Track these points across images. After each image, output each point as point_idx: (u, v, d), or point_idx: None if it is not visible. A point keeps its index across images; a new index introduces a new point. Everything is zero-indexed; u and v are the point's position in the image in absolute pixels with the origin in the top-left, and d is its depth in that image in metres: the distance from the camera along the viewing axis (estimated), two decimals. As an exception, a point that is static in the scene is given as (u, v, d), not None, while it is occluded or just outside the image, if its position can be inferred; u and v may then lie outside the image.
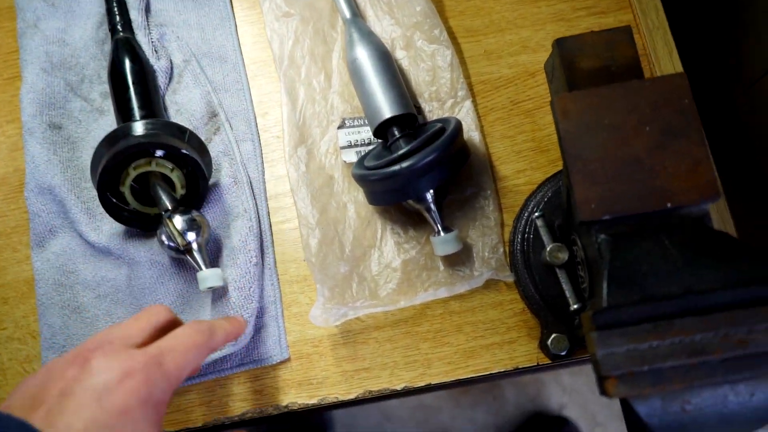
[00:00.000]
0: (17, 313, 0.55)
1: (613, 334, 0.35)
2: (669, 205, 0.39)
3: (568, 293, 0.46)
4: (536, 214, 0.49)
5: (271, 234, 0.55)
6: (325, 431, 1.10)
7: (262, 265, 0.53)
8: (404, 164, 0.48)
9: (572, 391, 1.09)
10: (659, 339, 0.34)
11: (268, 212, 0.55)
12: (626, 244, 0.39)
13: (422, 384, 0.50)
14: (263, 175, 0.56)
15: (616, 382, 0.34)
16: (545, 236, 0.48)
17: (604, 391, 0.35)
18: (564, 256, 0.46)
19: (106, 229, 0.54)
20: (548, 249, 0.47)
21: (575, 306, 0.46)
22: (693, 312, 0.35)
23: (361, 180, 0.51)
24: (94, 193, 0.56)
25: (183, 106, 0.57)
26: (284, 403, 0.51)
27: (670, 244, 0.38)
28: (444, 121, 0.52)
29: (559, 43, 0.47)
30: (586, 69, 0.45)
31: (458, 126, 0.50)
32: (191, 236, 0.50)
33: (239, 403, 0.51)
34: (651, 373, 0.34)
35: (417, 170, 0.48)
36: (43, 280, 0.54)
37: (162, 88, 0.58)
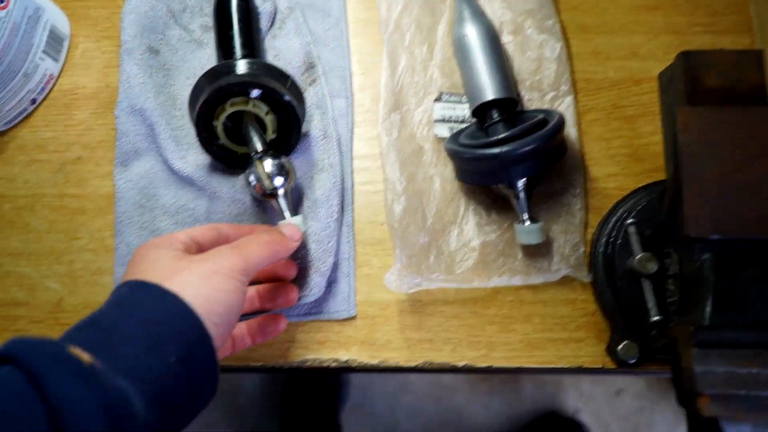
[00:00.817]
0: (93, 225, 0.55)
1: (712, 354, 0.35)
2: (781, 234, 0.39)
3: (650, 304, 0.46)
4: (630, 220, 0.48)
5: (352, 193, 0.55)
6: (338, 390, 1.12)
7: (341, 221, 0.53)
8: (504, 148, 0.47)
9: (589, 398, 1.09)
10: (760, 367, 0.34)
11: (352, 171, 0.55)
12: (732, 267, 0.38)
13: (484, 365, 0.51)
14: (352, 134, 0.56)
15: (709, 400, 0.34)
16: (635, 244, 0.47)
17: (690, 406, 0.35)
18: (653, 266, 0.46)
19: (191, 159, 0.55)
20: (638, 257, 0.46)
21: (656, 318, 0.46)
22: (797, 347, 0.35)
23: (455, 156, 0.50)
24: (184, 122, 0.56)
25: (281, 52, 0.57)
26: (344, 359, 0.51)
27: (778, 274, 0.38)
28: (546, 112, 0.51)
29: (685, 56, 0.46)
30: (710, 86, 0.45)
31: (562, 120, 0.49)
32: (279, 181, 0.50)
33: (300, 350, 0.52)
34: (747, 399, 0.34)
35: (515, 157, 0.47)
36: (124, 199, 0.54)
37: (263, 31, 0.58)
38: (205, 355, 0.37)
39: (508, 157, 0.47)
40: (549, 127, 0.48)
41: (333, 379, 1.09)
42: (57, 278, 0.55)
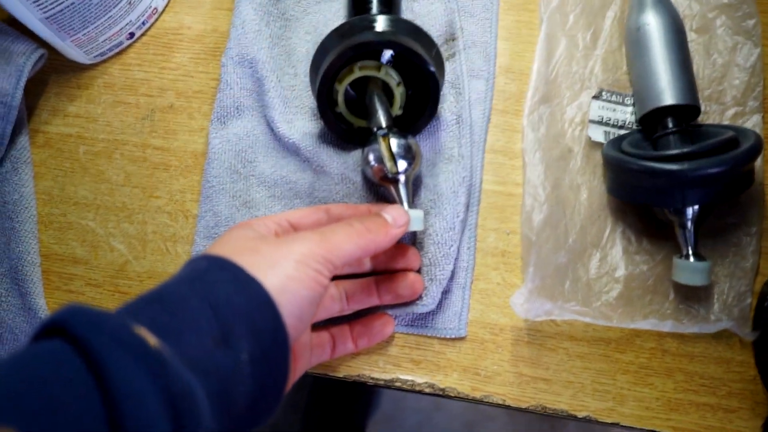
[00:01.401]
0: (175, 185, 0.49)
1: None
2: None
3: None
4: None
5: (480, 192, 0.47)
6: (369, 398, 1.05)
7: (465, 223, 0.46)
8: (685, 166, 0.39)
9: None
10: None
11: (482, 166, 0.47)
12: None
13: (609, 420, 0.42)
14: (487, 122, 0.48)
15: None
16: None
17: None
18: None
19: (299, 125, 0.48)
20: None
21: None
22: None
23: (616, 165, 0.42)
24: (294, 82, 0.49)
25: (420, 17, 0.49)
26: (442, 386, 0.44)
27: None
28: (736, 130, 0.43)
29: None
30: None
31: (760, 142, 0.41)
32: (403, 165, 0.42)
33: (391, 366, 0.44)
34: None
35: (696, 178, 0.39)
36: (218, 161, 0.47)
37: (401, -11, 0.50)
38: (280, 357, 0.30)
39: (688, 176, 0.39)
40: (744, 148, 0.40)
41: (365, 386, 1.01)
42: (124, 239, 0.48)
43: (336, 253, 0.34)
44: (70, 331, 0.25)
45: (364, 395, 1.03)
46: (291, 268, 0.32)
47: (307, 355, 0.41)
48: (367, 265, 0.43)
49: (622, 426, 0.43)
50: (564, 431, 1.03)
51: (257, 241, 0.34)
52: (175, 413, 0.24)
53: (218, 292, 0.29)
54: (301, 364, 0.40)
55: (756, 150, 0.40)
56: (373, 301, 0.42)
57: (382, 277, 0.42)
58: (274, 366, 0.30)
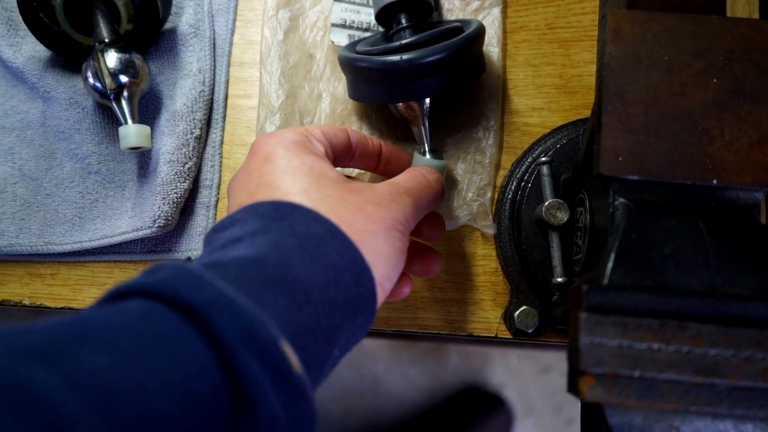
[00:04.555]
0: None
1: (606, 322, 0.27)
2: (715, 181, 0.30)
3: (555, 261, 0.38)
4: (543, 159, 0.40)
5: (225, 107, 0.45)
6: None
7: (206, 140, 0.44)
8: (406, 55, 0.38)
9: (516, 373, 1.03)
10: (663, 342, 0.26)
11: (227, 81, 0.45)
12: (648, 216, 0.30)
13: (356, 325, 0.42)
14: (231, 35, 0.46)
15: (593, 381, 0.26)
16: (547, 188, 0.39)
17: (574, 388, 0.27)
18: (563, 216, 0.38)
19: (27, 49, 0.44)
20: (546, 204, 0.38)
21: (559, 279, 0.38)
22: (714, 319, 0.27)
23: (348, 65, 0.41)
24: (24, 3, 0.45)
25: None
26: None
27: (705, 230, 0.30)
28: (463, 22, 0.42)
29: (632, -47, 0.37)
30: (658, -10, 0.36)
31: (480, 29, 0.40)
32: (123, 79, 0.40)
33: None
34: (641, 382, 0.26)
35: (420, 66, 0.38)
36: (-64, 92, 0.44)
37: None
38: (358, 339, 0.30)
39: (413, 66, 0.38)
40: (464, 35, 0.39)
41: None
42: None
43: (419, 216, 0.33)
44: (206, 324, 0.22)
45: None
46: (398, 239, 0.30)
47: None
48: None
49: (372, 330, 0.42)
50: (445, 363, 1.05)
51: (354, 194, 0.30)
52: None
53: (338, 284, 0.27)
54: None
55: (475, 36, 0.39)
56: None
57: None
58: (344, 353, 0.29)
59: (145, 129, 0.40)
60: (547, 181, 0.39)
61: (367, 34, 0.45)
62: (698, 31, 0.33)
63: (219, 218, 0.43)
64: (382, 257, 0.29)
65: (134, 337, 0.21)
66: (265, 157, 0.31)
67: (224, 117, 0.45)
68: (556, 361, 1.01)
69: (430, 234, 0.38)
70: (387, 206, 0.31)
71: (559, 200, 0.38)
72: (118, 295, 0.23)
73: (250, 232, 0.27)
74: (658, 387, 0.25)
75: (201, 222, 0.43)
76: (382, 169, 0.39)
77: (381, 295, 0.30)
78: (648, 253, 0.28)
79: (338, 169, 0.34)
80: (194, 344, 0.21)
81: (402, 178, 0.34)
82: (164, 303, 0.22)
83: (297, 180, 0.30)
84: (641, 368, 0.26)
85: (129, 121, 0.40)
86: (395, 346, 1.01)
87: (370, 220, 0.29)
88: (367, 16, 0.45)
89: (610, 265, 0.28)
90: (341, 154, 0.35)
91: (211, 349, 0.21)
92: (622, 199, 0.31)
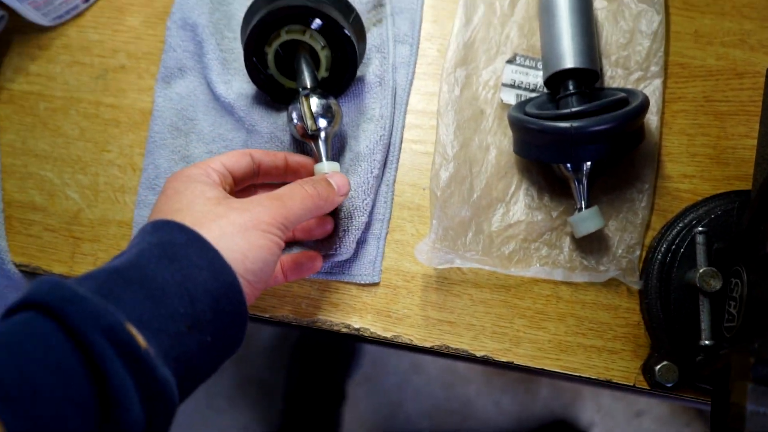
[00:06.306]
0: (125, 140, 0.53)
1: (775, 394, 0.30)
2: None
3: (704, 325, 0.41)
4: (699, 228, 0.43)
5: (399, 150, 0.50)
6: (351, 358, 1.10)
7: (381, 178, 0.49)
8: (576, 123, 0.42)
9: (607, 414, 1.04)
10: (830, 419, 0.29)
11: (403, 126, 0.51)
12: (816, 300, 0.33)
13: (504, 359, 0.47)
14: (410, 86, 0.51)
15: (760, 446, 0.29)
16: (701, 256, 0.42)
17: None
18: (717, 284, 0.41)
19: (236, 86, 0.51)
20: (701, 271, 0.41)
21: (707, 342, 0.41)
22: None
23: (517, 124, 0.45)
24: (234, 45, 0.53)
25: (351, -15, 0.53)
26: (356, 326, 0.48)
27: None
28: (628, 92, 0.46)
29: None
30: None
31: (645, 102, 0.44)
32: (323, 123, 0.46)
33: (312, 309, 0.48)
34: (807, 453, 0.29)
35: (586, 135, 0.42)
36: (161, 118, 0.52)
37: (333, -41, 0.53)
38: (237, 327, 0.35)
39: (579, 133, 0.42)
40: (630, 107, 0.43)
41: (347, 346, 1.06)
42: (78, 188, 0.53)
43: (292, 218, 0.38)
44: (59, 315, 0.28)
45: (345, 356, 1.08)
46: (257, 237, 0.35)
47: None
48: None
49: (516, 365, 0.47)
50: (537, 394, 1.07)
51: (222, 206, 0.36)
52: (152, 413, 0.28)
53: (196, 279, 0.32)
54: None
55: (640, 109, 0.43)
56: (289, 237, 0.46)
57: None
58: (232, 337, 0.34)
59: (337, 165, 0.46)
60: (701, 249, 0.42)
61: (534, 95, 0.49)
62: None
63: (387, 249, 0.49)
64: (239, 253, 0.34)
65: (12, 337, 0.27)
66: (164, 191, 0.38)
67: (398, 159, 0.50)
68: (649, 408, 1.02)
69: (319, 232, 0.46)
70: (250, 210, 0.36)
71: (713, 269, 0.41)
72: (11, 310, 0.29)
73: (130, 247, 0.34)
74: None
75: (372, 251, 0.48)
76: (292, 178, 0.45)
77: (247, 285, 0.35)
78: (817, 336, 0.31)
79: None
80: (56, 335, 0.27)
81: (282, 188, 0.40)
82: (32, 308, 0.28)
83: (176, 202, 0.37)
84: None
85: (324, 159, 0.46)
86: (488, 372, 1.04)
87: (230, 224, 0.35)
88: (535, 78, 0.49)
89: (780, 342, 0.31)
90: (246, 175, 0.42)
91: (68, 338, 0.27)
92: (787, 280, 0.34)
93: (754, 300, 0.37)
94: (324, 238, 0.47)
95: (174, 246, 0.33)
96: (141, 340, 0.29)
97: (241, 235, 0.35)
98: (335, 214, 0.48)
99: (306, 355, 1.06)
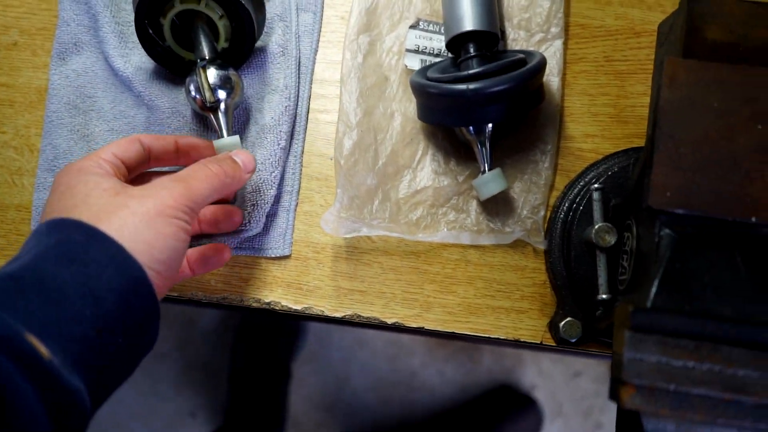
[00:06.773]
0: (20, 120, 0.51)
1: (647, 340, 0.31)
2: (754, 219, 0.34)
3: (600, 280, 0.42)
4: (595, 185, 0.43)
5: (306, 120, 0.50)
6: (295, 336, 1.10)
7: (288, 150, 0.49)
8: (472, 85, 0.42)
9: (547, 376, 1.06)
10: (697, 361, 0.30)
11: (309, 96, 0.50)
12: (691, 247, 0.34)
13: (415, 325, 0.47)
14: (315, 54, 0.51)
15: (633, 391, 0.30)
16: (597, 212, 0.43)
17: (615, 396, 0.31)
18: (611, 239, 0.42)
19: (134, 59, 0.50)
20: (596, 227, 0.42)
21: (604, 296, 0.42)
22: (745, 344, 0.30)
23: (419, 90, 0.45)
24: (132, 17, 0.51)
25: (251, -47, 0.51)
26: (267, 300, 0.48)
27: (742, 262, 0.33)
28: (527, 53, 0.46)
29: (690, 3, 0.40)
30: (710, 39, 0.39)
31: (543, 62, 0.44)
32: (222, 94, 0.45)
33: (222, 285, 0.48)
34: (676, 395, 0.30)
35: (485, 96, 0.42)
36: (57, 97, 0.50)
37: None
38: (151, 329, 0.33)
39: (478, 95, 0.42)
40: (527, 67, 0.43)
41: (291, 326, 1.06)
42: (-25, 171, 0.50)
43: (197, 199, 0.36)
44: None
45: (289, 335, 1.08)
46: (162, 224, 0.34)
47: None
48: None
49: (426, 330, 0.47)
50: (479, 362, 1.09)
51: (120, 196, 0.35)
52: (61, 426, 0.27)
53: (100, 278, 0.31)
54: None
55: (537, 69, 0.43)
56: (196, 231, 0.45)
57: (204, 210, 0.45)
58: (145, 339, 0.33)
59: (237, 139, 0.45)
60: (597, 206, 0.43)
61: (438, 59, 0.49)
62: (747, 81, 0.36)
63: (297, 221, 0.48)
64: (145, 244, 0.33)
65: None
66: (55, 188, 0.36)
67: (305, 129, 0.50)
68: (587, 368, 1.05)
69: (226, 225, 0.44)
70: (152, 195, 0.34)
71: (608, 224, 0.42)
72: None
73: (26, 250, 0.32)
74: (690, 400, 0.29)
75: (282, 224, 0.48)
76: (184, 161, 0.44)
77: (157, 277, 0.33)
78: (689, 281, 0.32)
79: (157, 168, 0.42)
80: None
81: (184, 170, 0.38)
82: None
83: (70, 198, 0.34)
84: (676, 382, 0.29)
85: (224, 132, 0.45)
86: (432, 342, 1.06)
87: (131, 214, 0.33)
88: (439, 42, 0.49)
89: (654, 290, 0.32)
90: (138, 162, 0.40)
91: None
92: (667, 230, 0.35)
93: (640, 253, 0.38)
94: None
95: (73, 245, 0.32)
96: (44, 350, 0.27)
97: (144, 224, 0.33)
98: (243, 187, 0.47)
99: (250, 337, 1.06)
